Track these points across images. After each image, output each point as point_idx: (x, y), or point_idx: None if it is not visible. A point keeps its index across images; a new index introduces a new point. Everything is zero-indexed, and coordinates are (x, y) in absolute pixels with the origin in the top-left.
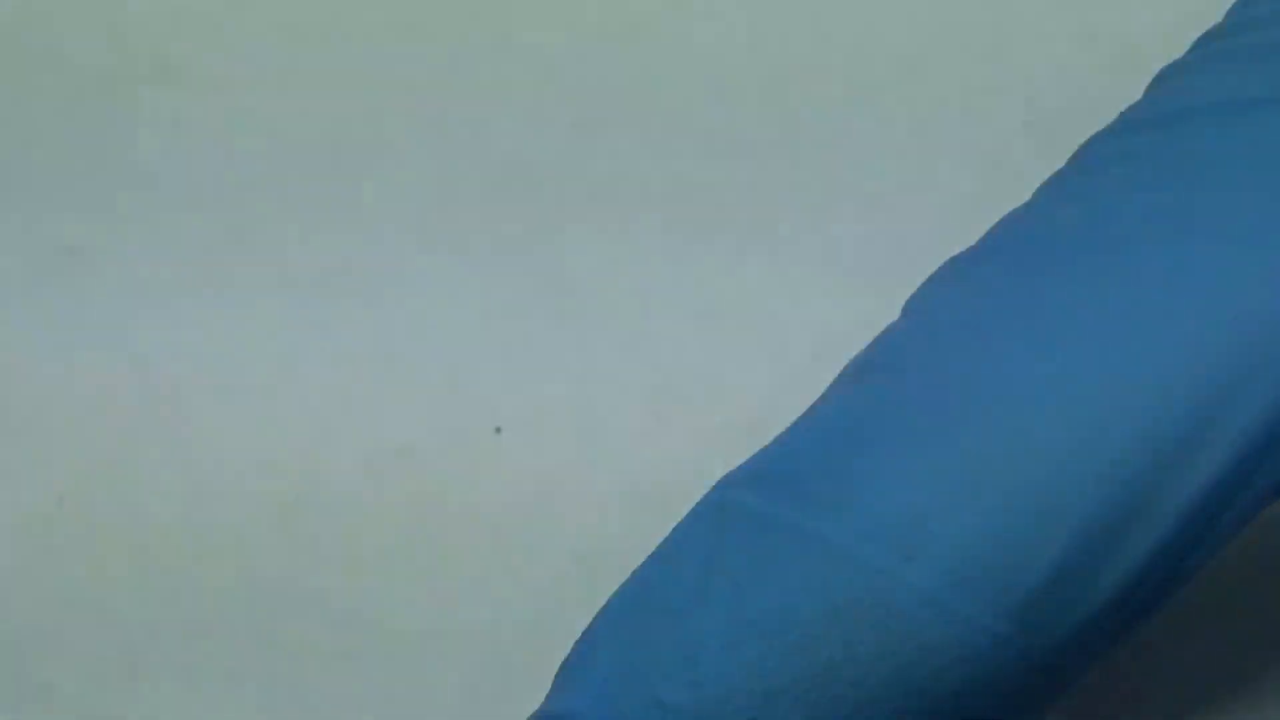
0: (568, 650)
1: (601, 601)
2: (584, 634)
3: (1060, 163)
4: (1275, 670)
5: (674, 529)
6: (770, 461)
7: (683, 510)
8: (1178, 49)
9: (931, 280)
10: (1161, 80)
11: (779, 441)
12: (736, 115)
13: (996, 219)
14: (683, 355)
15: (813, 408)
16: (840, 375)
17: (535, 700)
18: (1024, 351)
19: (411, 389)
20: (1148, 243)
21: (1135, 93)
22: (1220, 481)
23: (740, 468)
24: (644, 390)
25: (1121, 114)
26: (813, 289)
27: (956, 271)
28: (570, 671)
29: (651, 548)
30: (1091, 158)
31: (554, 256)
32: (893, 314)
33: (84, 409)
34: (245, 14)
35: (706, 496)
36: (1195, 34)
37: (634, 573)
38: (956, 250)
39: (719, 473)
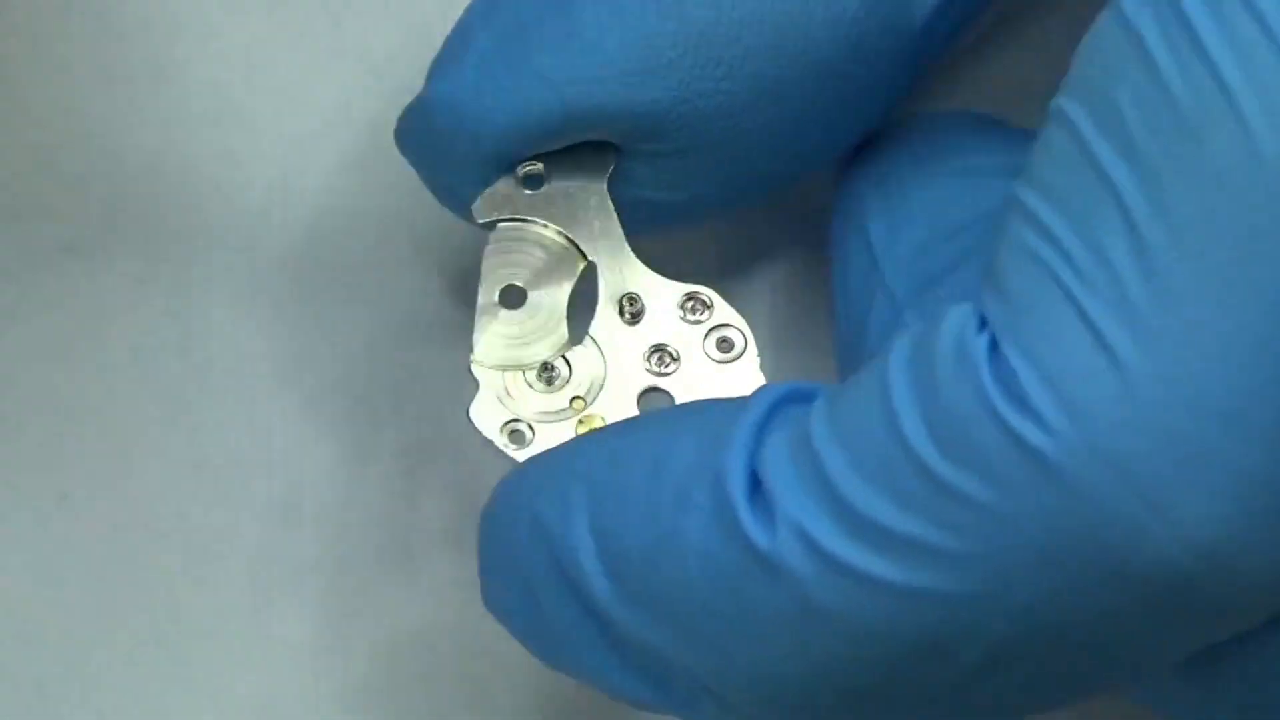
0: None
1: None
2: (456, 26)
3: None
4: None
5: None
6: None
7: None
8: None
9: None
10: None
11: None
12: None
13: None
14: None
15: None
16: None
17: (536, 699)
18: None
19: (412, 389)
20: None
21: None
22: None
23: None
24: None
25: None
26: None
27: None
28: (444, 59)
29: None
30: None
31: None
32: None
33: (84, 409)
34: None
35: None
36: None
37: None
38: None
39: None
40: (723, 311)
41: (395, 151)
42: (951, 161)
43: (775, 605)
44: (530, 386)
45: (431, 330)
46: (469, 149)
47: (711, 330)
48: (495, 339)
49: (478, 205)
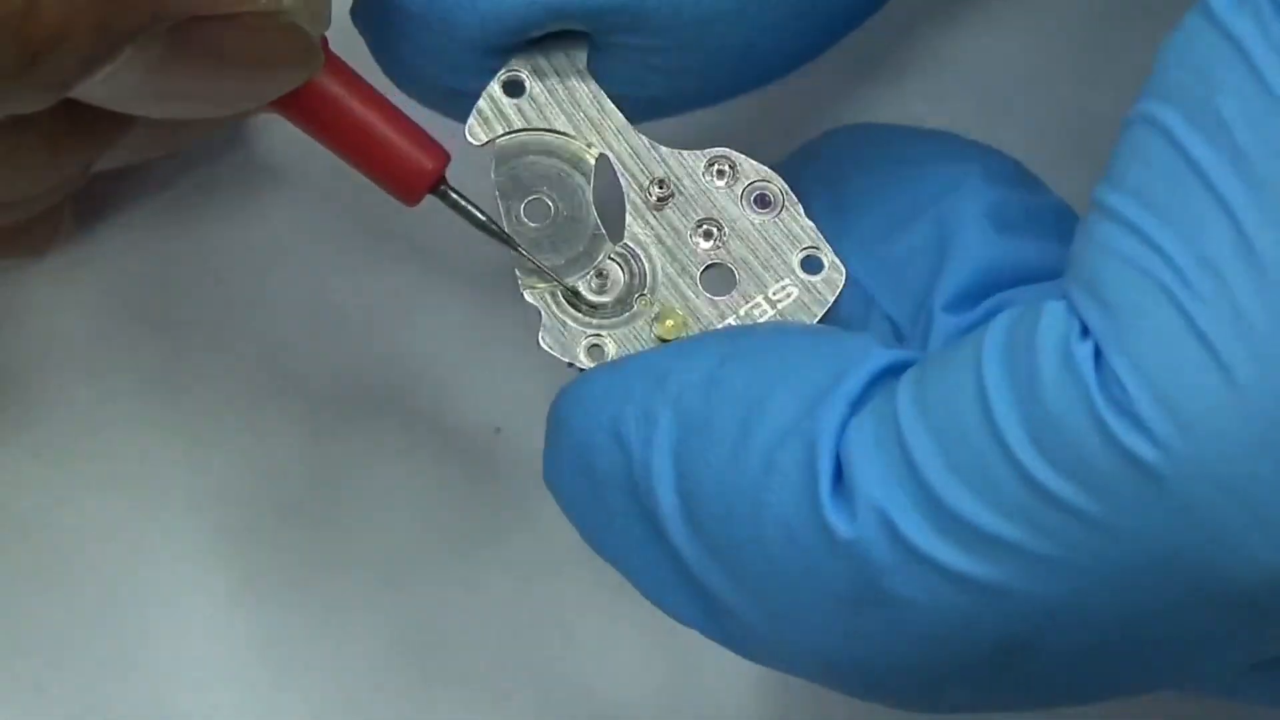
0: (568, 650)
1: (604, 605)
2: None
3: None
4: None
5: None
6: None
7: None
8: None
9: None
10: None
11: None
12: None
13: None
14: None
15: None
16: None
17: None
18: None
19: (412, 389)
20: None
21: None
22: None
23: None
24: None
25: None
26: None
27: None
28: None
29: None
30: None
31: None
32: None
33: (85, 408)
34: None
35: None
36: None
37: None
38: None
39: None
40: (749, 168)
41: None
42: (887, 154)
43: (847, 590)
44: (589, 297)
45: (435, 324)
46: (443, 36)
47: (746, 189)
48: (535, 257)
49: (470, 128)
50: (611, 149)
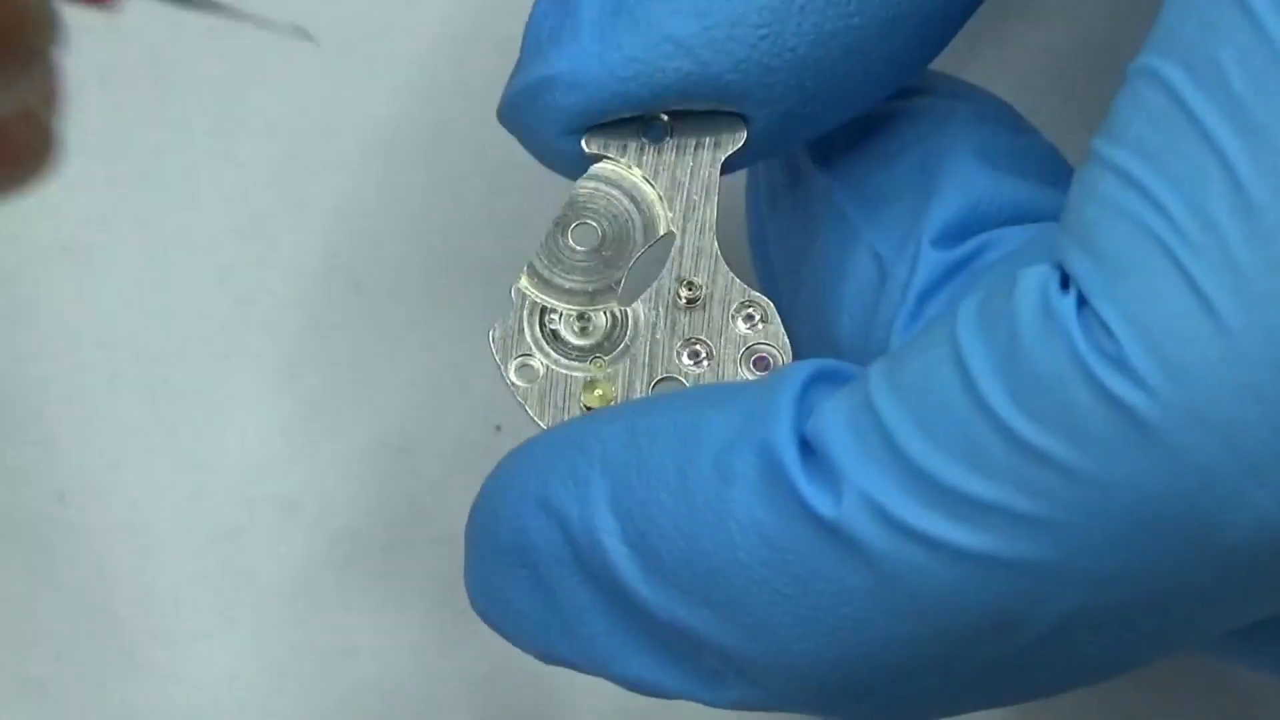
0: None
1: None
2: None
3: None
4: None
5: None
6: None
7: None
8: None
9: None
10: None
11: None
12: None
13: None
14: None
15: None
16: None
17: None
18: None
19: (412, 389)
20: None
21: None
22: None
23: None
24: None
25: None
26: None
27: None
28: (549, 33)
29: None
30: None
31: None
32: None
33: (85, 407)
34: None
35: None
36: None
37: None
38: None
39: None
40: (773, 329)
41: (402, 153)
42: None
43: (838, 577)
44: (561, 328)
45: (435, 324)
46: (597, 120)
47: (756, 345)
48: (549, 269)
49: (588, 138)
50: (682, 236)
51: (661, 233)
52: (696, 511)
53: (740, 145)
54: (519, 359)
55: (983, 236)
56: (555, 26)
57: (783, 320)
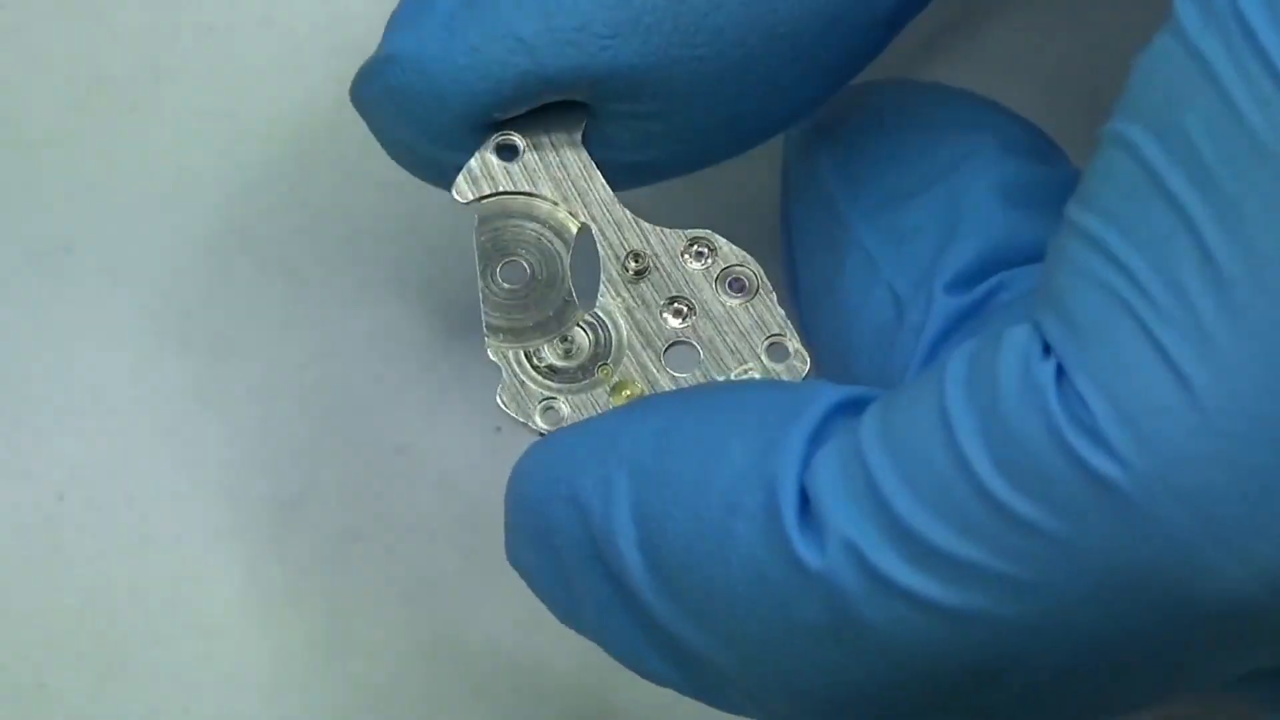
0: (567, 649)
1: None
2: None
3: None
4: None
5: None
6: None
7: None
8: None
9: None
10: None
11: None
12: None
13: None
14: None
15: None
16: None
17: (543, 695)
18: None
19: (412, 389)
20: None
21: None
22: None
23: None
24: None
25: None
26: None
27: None
28: (406, 16)
29: None
30: None
31: None
32: None
33: (84, 407)
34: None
35: None
36: None
37: None
38: None
39: None
40: (728, 252)
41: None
42: (904, 120)
43: (820, 621)
44: (551, 361)
45: (435, 324)
46: (436, 111)
47: (723, 272)
48: (504, 319)
49: (458, 185)
50: (595, 220)
51: (575, 230)
52: (704, 537)
53: (583, 127)
54: (538, 407)
55: (1000, 276)
56: (413, 13)
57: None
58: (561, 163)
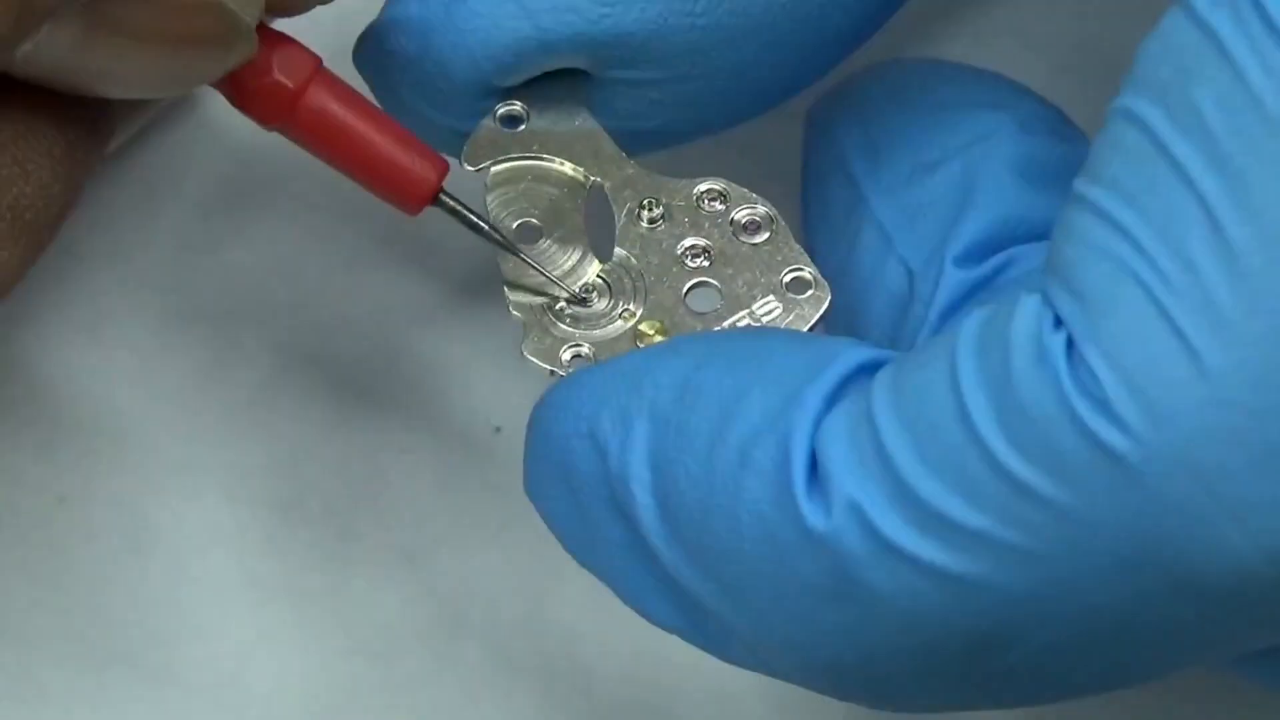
0: (568, 647)
1: (599, 601)
2: None
3: None
4: None
5: None
6: None
7: None
8: None
9: None
10: None
11: None
12: None
13: None
14: None
15: None
16: None
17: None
18: None
19: (412, 389)
20: None
21: None
22: None
23: None
24: None
25: None
26: None
27: None
28: None
29: None
30: None
31: None
32: None
33: (84, 407)
34: None
35: None
36: None
37: None
38: None
39: None
40: (740, 196)
41: None
42: (925, 97)
43: (824, 583)
44: (574, 313)
45: (435, 325)
46: (437, 77)
47: (737, 216)
48: (519, 274)
49: (467, 152)
50: (606, 176)
51: (588, 188)
52: (715, 489)
53: (587, 89)
54: (567, 353)
55: (1011, 251)
56: None
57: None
58: (568, 128)
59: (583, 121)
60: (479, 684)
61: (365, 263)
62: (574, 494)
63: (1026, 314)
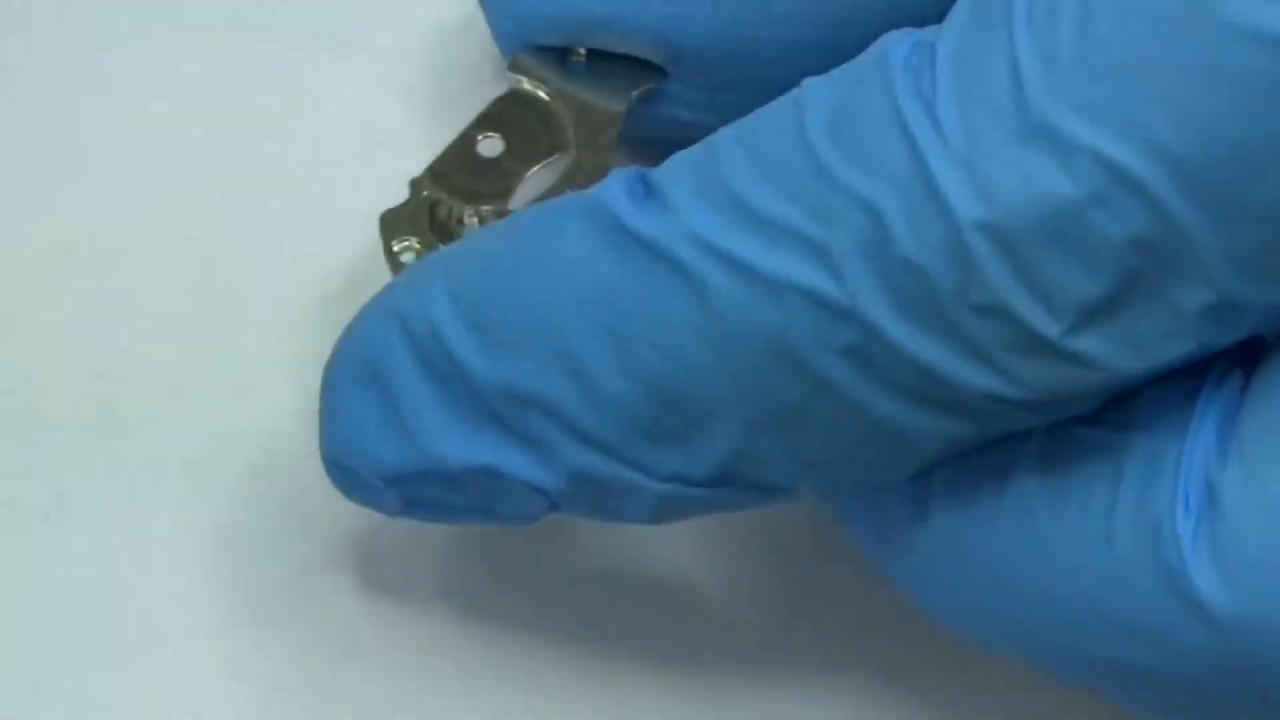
0: (566, 646)
1: (604, 604)
2: None
3: None
4: None
5: None
6: None
7: None
8: None
9: None
10: None
11: None
12: None
13: None
14: None
15: None
16: None
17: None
18: None
19: None
20: None
21: None
22: None
23: None
24: None
25: None
26: None
27: None
28: None
29: (641, 542)
30: None
31: None
32: None
33: (83, 407)
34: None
35: None
36: None
37: None
38: None
39: None
40: None
41: (401, 161)
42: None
43: (650, 299)
44: (451, 226)
45: None
46: (511, 29)
47: None
48: (450, 167)
49: (514, 60)
50: (581, 152)
51: (564, 151)
52: (526, 269)
53: (651, 87)
54: (402, 245)
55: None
56: None
57: None
58: (600, 100)
59: (616, 105)
60: (481, 681)
61: (365, 260)
62: (378, 383)
63: (894, 41)
